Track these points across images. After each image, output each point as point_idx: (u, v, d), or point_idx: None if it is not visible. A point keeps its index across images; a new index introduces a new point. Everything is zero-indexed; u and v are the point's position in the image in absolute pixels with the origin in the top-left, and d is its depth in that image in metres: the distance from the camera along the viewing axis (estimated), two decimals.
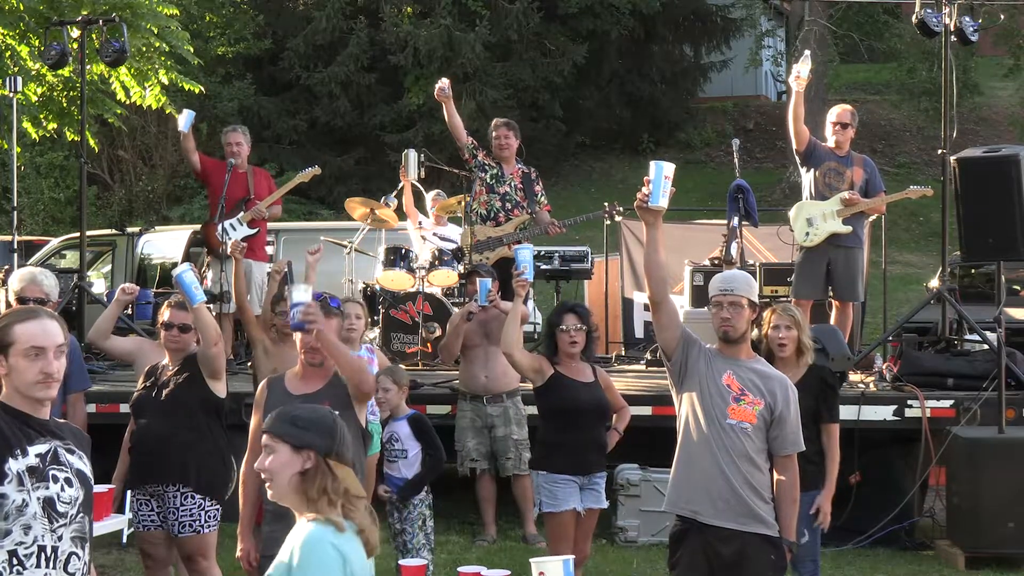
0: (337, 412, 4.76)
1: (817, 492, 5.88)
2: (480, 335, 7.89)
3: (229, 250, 7.62)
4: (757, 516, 4.63)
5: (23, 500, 3.24)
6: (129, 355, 6.62)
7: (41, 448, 3.31)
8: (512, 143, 9.37)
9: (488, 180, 9.32)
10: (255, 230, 9.37)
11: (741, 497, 4.60)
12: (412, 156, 9.72)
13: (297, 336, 5.09)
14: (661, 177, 4.42)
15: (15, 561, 3.23)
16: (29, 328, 3.32)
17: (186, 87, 12.59)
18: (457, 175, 9.79)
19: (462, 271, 9.20)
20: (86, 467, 3.42)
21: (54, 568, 3.29)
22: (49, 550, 3.28)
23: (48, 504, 3.28)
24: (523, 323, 6.51)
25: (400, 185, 10.16)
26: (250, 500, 5.07)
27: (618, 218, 10.06)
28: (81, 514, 3.37)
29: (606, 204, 10.00)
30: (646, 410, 7.91)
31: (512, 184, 9.34)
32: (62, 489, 3.32)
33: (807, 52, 9.00)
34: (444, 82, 9.29)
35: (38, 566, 3.26)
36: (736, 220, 9.02)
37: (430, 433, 6.53)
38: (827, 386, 6.01)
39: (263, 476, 3.25)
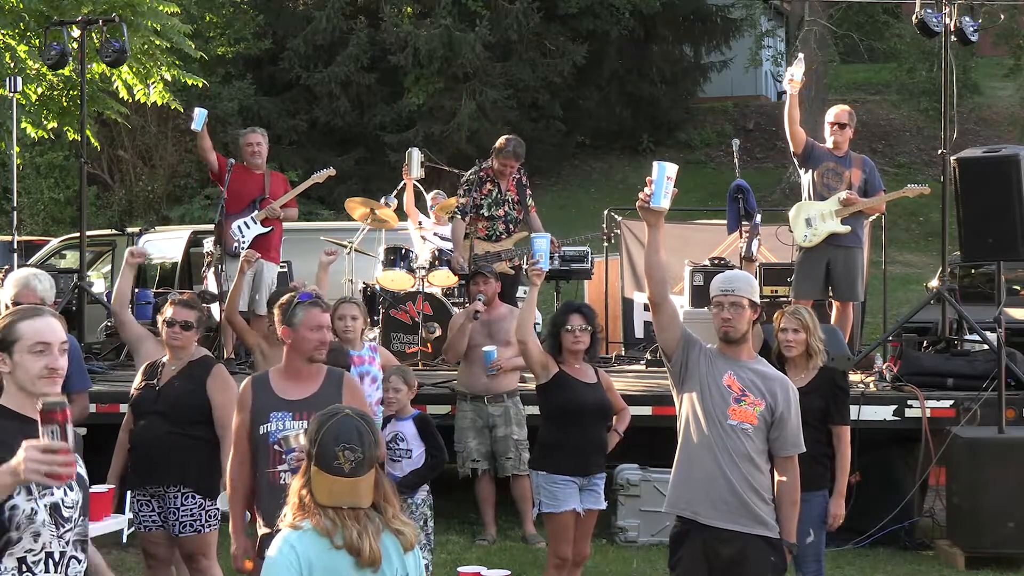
0: None
1: (824, 492, 5.89)
2: (483, 335, 7.90)
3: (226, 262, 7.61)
4: (757, 517, 4.62)
5: (32, 509, 3.27)
6: (136, 340, 6.68)
7: None
8: (515, 169, 9.20)
9: (488, 209, 9.17)
10: (269, 228, 9.38)
11: (741, 498, 4.60)
12: (415, 155, 9.69)
13: (306, 332, 4.96)
14: (664, 178, 4.43)
15: (24, 568, 3.26)
16: (35, 324, 3.37)
17: (189, 82, 12.60)
18: (457, 175, 9.77)
19: (464, 272, 9.20)
20: (82, 469, 3.44)
21: (59, 573, 3.32)
22: (57, 556, 3.31)
23: (55, 510, 3.31)
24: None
25: (401, 184, 10.17)
26: (239, 499, 5.04)
27: (616, 230, 10.03)
28: (82, 517, 3.41)
29: (603, 227, 9.93)
30: (646, 410, 7.91)
31: (510, 200, 9.25)
32: (65, 494, 3.35)
33: (801, 55, 9.00)
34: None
35: (46, 572, 3.29)
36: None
37: (435, 434, 6.54)
38: (838, 388, 6.01)
39: None
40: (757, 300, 4.77)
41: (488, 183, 9.22)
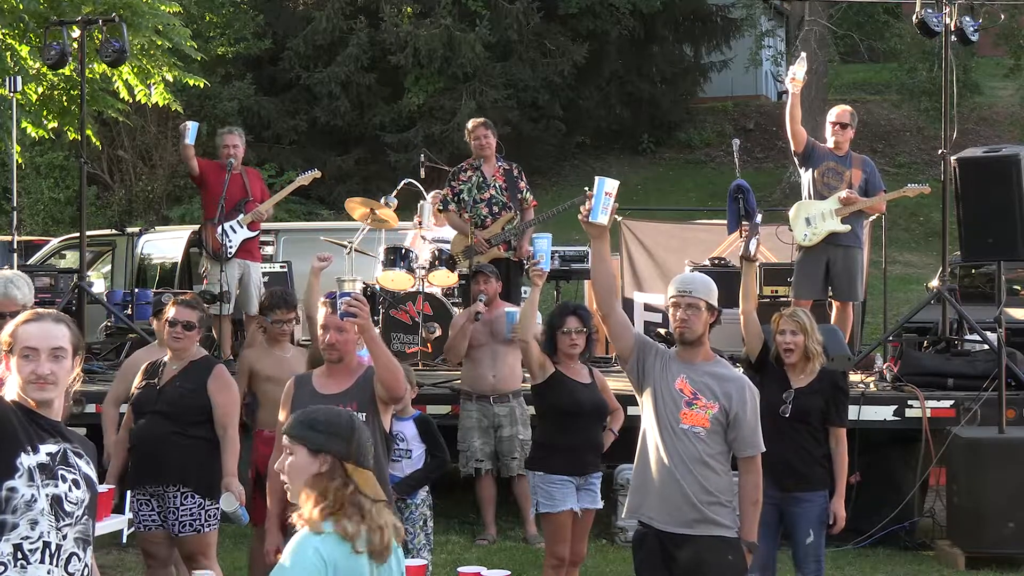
0: (364, 414, 4.85)
1: (824, 493, 5.90)
2: (486, 334, 7.88)
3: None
4: (710, 520, 4.61)
5: (32, 496, 3.28)
6: (115, 445, 6.39)
7: (52, 448, 3.36)
8: (491, 142, 9.30)
9: (469, 194, 9.23)
10: (255, 232, 9.35)
11: (693, 502, 4.59)
12: (427, 208, 9.72)
13: (319, 330, 5.11)
14: (602, 193, 4.52)
15: (19, 555, 3.26)
16: (28, 330, 3.40)
17: (190, 82, 12.60)
18: None
19: (463, 272, 9.20)
20: (92, 472, 3.47)
21: (56, 566, 3.31)
22: (53, 547, 3.31)
23: (56, 502, 3.32)
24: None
25: (401, 184, 10.17)
26: (277, 495, 5.07)
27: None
28: (86, 516, 3.40)
29: (586, 188, 9.87)
30: None
31: (496, 185, 9.27)
32: (70, 489, 3.36)
33: (803, 54, 9.00)
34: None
35: (41, 562, 3.29)
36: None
37: (436, 435, 6.53)
38: (838, 390, 6.02)
39: (282, 477, 3.30)
40: (715, 303, 4.75)
41: (469, 170, 9.31)
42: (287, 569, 3.17)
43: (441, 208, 9.44)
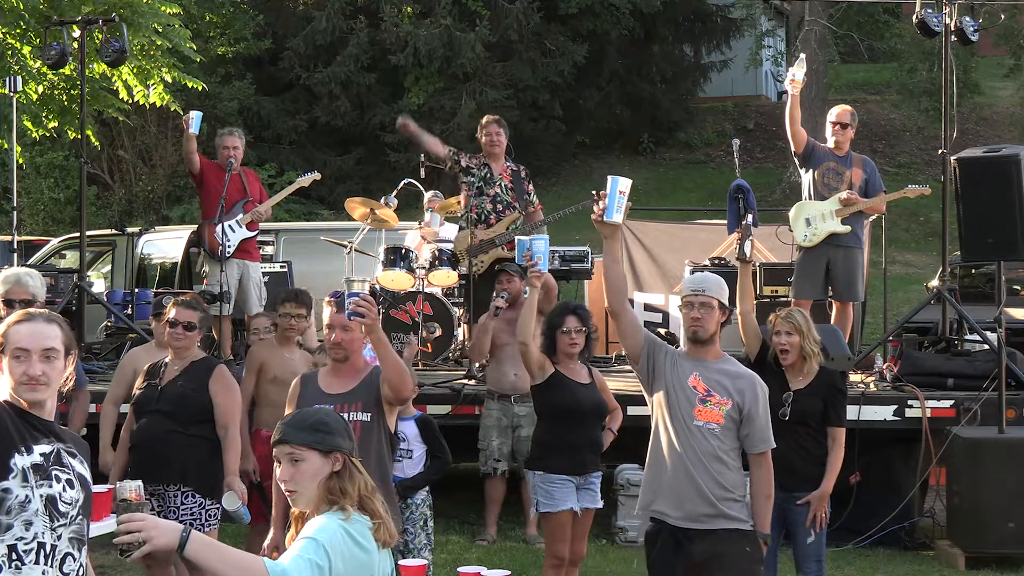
0: (369, 415, 4.85)
1: None
2: (509, 333, 7.81)
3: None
4: (724, 514, 4.66)
5: (26, 496, 3.28)
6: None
7: (45, 448, 3.35)
8: (502, 140, 9.28)
9: (477, 183, 9.25)
10: (254, 232, 9.35)
11: (708, 498, 4.64)
12: (436, 219, 9.71)
13: (324, 329, 5.11)
14: (616, 192, 4.54)
15: (14, 556, 3.26)
16: (19, 330, 3.39)
17: (189, 84, 12.60)
18: (456, 175, 9.78)
19: (464, 272, 9.19)
20: (86, 472, 3.46)
21: (50, 567, 3.31)
22: (48, 548, 3.31)
23: (50, 502, 3.31)
24: None
25: (401, 185, 10.17)
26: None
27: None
28: (80, 516, 3.40)
29: (594, 192, 9.87)
30: (646, 410, 7.85)
31: (502, 184, 9.27)
32: (64, 490, 3.35)
33: (803, 55, 8.99)
34: (401, 120, 9.56)
35: (36, 563, 3.29)
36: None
37: (437, 435, 6.52)
38: (837, 391, 6.04)
39: (287, 488, 3.28)
40: (727, 302, 4.82)
41: (476, 162, 9.29)
42: (313, 530, 3.16)
43: (452, 156, 9.41)
